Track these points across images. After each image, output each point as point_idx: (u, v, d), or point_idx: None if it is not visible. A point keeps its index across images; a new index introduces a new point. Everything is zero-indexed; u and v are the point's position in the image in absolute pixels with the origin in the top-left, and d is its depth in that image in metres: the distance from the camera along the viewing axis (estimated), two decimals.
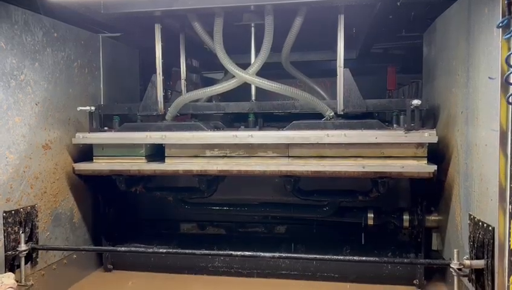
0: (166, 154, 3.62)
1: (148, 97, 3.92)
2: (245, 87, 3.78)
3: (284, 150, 3.44)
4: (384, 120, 4.09)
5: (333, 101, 3.70)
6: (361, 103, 3.61)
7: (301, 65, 4.59)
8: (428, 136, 3.18)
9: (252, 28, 3.85)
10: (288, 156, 3.45)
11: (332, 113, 3.59)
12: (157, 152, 3.73)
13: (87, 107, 3.75)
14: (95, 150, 3.75)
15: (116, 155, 3.69)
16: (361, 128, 3.38)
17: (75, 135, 3.71)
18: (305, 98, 3.63)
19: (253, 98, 3.90)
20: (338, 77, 3.62)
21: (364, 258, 3.25)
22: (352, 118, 3.63)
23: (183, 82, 4.16)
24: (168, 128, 3.67)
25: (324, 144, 3.34)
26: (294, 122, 3.55)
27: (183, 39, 4.14)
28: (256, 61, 3.63)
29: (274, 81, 3.59)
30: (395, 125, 3.70)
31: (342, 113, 3.62)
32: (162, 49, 3.87)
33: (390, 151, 3.28)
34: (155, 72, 3.90)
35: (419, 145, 3.22)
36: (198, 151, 3.56)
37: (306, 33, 3.74)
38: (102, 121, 3.93)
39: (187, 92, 4.05)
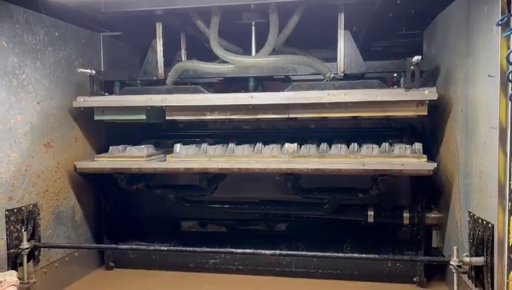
0: (167, 117, 3.60)
1: (149, 62, 3.88)
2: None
3: (284, 111, 3.40)
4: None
5: (334, 64, 3.58)
6: (361, 65, 3.54)
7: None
8: (429, 93, 3.17)
9: (253, 27, 3.81)
10: (289, 117, 3.41)
11: (333, 75, 3.51)
12: (158, 117, 3.73)
13: (88, 70, 3.72)
14: (95, 114, 3.72)
15: (117, 119, 3.71)
16: (361, 88, 3.36)
17: (76, 99, 3.67)
18: (306, 61, 3.53)
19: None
20: (339, 39, 3.52)
21: (364, 255, 3.28)
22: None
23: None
24: (169, 92, 3.66)
25: (324, 103, 3.31)
26: (294, 83, 3.52)
27: (184, 37, 4.07)
28: (261, 51, 3.54)
29: (273, 56, 3.48)
30: (395, 86, 3.62)
31: (343, 75, 3.54)
32: (162, 44, 3.84)
33: (391, 110, 3.28)
34: None
35: (420, 102, 3.20)
36: (199, 113, 3.54)
37: (306, 31, 3.74)
38: (103, 87, 3.88)
39: None
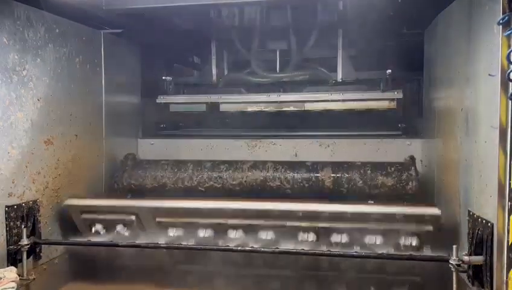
0: (221, 109, 4.89)
1: (205, 72, 5.23)
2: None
3: (301, 105, 4.70)
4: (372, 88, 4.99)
5: (334, 74, 4.85)
6: (353, 74, 4.86)
7: None
8: (397, 94, 4.47)
9: (277, 52, 4.95)
10: (304, 109, 4.74)
11: (334, 80, 4.79)
12: (213, 109, 4.92)
13: (167, 77, 5.02)
14: (171, 106, 4.97)
15: (186, 110, 5.02)
16: (353, 90, 4.76)
17: (158, 97, 4.91)
18: (317, 72, 4.88)
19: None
20: (338, 56, 4.76)
21: (363, 253, 3.27)
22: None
23: None
24: (221, 92, 5.00)
25: (328, 99, 4.61)
26: (307, 86, 4.95)
27: (227, 53, 5.16)
28: (287, 69, 4.90)
29: (295, 71, 4.87)
30: (377, 88, 4.71)
31: (341, 81, 4.80)
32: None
33: (372, 104, 4.54)
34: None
35: (391, 100, 4.48)
36: (243, 106, 4.85)
37: (307, 32, 3.77)
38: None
39: None
